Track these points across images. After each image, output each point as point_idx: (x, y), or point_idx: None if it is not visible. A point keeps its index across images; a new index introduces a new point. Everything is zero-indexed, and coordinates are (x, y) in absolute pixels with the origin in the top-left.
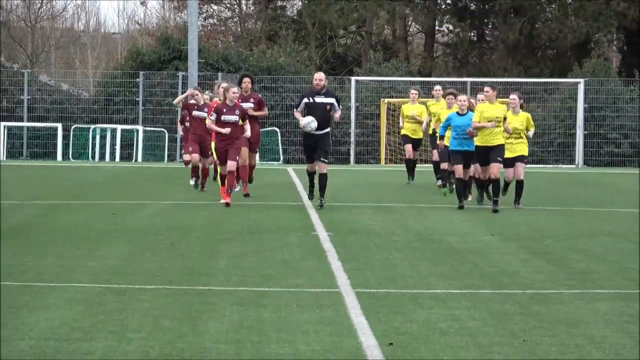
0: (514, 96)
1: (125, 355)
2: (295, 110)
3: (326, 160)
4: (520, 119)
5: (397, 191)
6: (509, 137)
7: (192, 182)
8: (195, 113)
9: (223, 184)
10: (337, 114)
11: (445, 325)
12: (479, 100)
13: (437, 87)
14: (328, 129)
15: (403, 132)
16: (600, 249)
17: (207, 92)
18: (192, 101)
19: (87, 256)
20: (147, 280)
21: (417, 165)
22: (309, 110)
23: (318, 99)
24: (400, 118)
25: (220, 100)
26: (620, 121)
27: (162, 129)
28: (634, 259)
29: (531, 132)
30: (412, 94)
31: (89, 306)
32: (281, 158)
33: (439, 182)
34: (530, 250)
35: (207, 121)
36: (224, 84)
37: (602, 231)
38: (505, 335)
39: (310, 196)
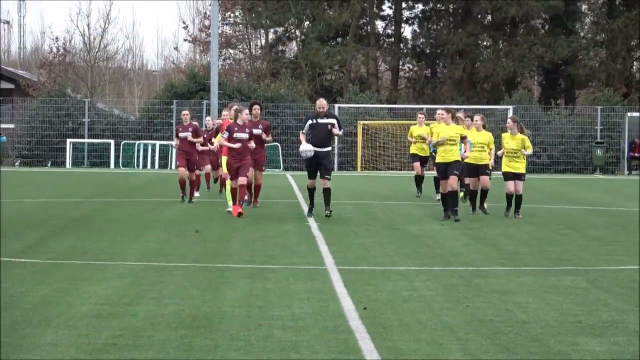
0: (509, 120)
1: (163, 317)
2: (301, 131)
3: (329, 177)
4: (517, 141)
5: (369, 191)
6: (508, 156)
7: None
8: (180, 134)
9: (233, 198)
10: (336, 130)
11: (407, 294)
12: (467, 120)
13: (440, 111)
14: (329, 148)
15: (412, 150)
16: (525, 236)
17: (215, 119)
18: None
19: (133, 241)
20: (179, 259)
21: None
22: (313, 130)
23: (321, 121)
24: (409, 138)
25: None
26: (540, 138)
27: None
28: (551, 242)
29: (527, 152)
30: (420, 117)
31: (134, 279)
32: (281, 166)
33: (437, 196)
34: (472, 236)
35: (220, 138)
36: (236, 106)
37: (526, 222)
38: (453, 301)
39: (309, 213)
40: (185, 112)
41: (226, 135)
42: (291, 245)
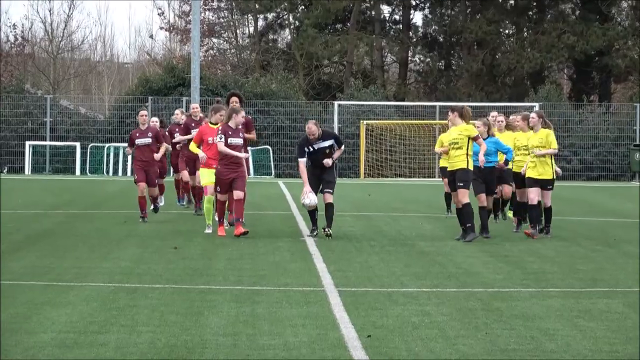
0: (534, 115)
1: (136, 347)
2: (299, 159)
3: (331, 191)
4: (540, 136)
5: (373, 201)
6: (533, 156)
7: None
8: (138, 141)
9: (220, 215)
10: (336, 154)
11: (417, 319)
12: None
13: (494, 113)
14: (333, 161)
15: (443, 163)
16: (552, 252)
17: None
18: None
19: (103, 259)
20: (155, 279)
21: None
22: (311, 156)
23: (317, 146)
24: (439, 147)
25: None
26: (570, 140)
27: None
28: (582, 260)
29: (537, 151)
30: (499, 121)
31: (103, 303)
32: (272, 173)
33: (448, 214)
34: (491, 253)
35: (219, 144)
36: (232, 106)
37: (554, 237)
38: (470, 328)
39: (313, 231)
40: (144, 112)
41: (222, 139)
42: (284, 264)
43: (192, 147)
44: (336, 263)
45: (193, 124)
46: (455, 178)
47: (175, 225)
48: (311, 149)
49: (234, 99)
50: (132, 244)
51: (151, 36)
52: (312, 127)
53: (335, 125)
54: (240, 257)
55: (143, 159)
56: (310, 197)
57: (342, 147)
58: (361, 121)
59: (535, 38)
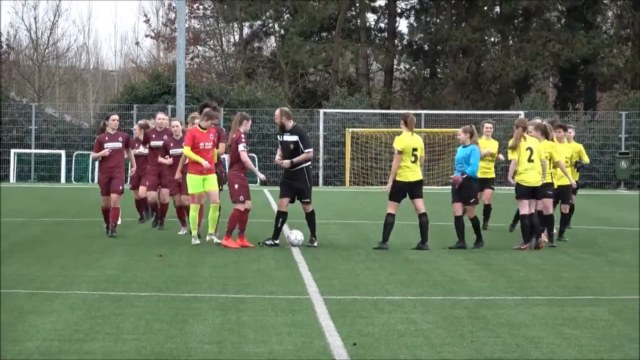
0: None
1: (121, 355)
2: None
3: (307, 200)
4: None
5: (359, 209)
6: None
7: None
8: (107, 145)
9: (242, 227)
10: (298, 158)
11: (402, 327)
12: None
13: (488, 125)
14: (302, 166)
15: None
16: (537, 260)
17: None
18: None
19: (88, 267)
20: (140, 287)
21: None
22: (280, 147)
23: (284, 137)
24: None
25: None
26: None
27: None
28: (567, 268)
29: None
30: (487, 128)
31: (88, 311)
32: (258, 180)
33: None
34: (476, 261)
35: (243, 154)
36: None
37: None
38: (455, 336)
39: (274, 239)
40: (114, 116)
41: (246, 149)
42: (269, 272)
43: (189, 152)
44: (321, 271)
45: (154, 135)
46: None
47: (161, 233)
48: (280, 139)
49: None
50: (118, 252)
51: (137, 43)
52: (276, 113)
53: (321, 133)
54: (226, 265)
55: (110, 165)
56: (294, 234)
57: (308, 152)
58: (347, 129)
59: (520, 46)
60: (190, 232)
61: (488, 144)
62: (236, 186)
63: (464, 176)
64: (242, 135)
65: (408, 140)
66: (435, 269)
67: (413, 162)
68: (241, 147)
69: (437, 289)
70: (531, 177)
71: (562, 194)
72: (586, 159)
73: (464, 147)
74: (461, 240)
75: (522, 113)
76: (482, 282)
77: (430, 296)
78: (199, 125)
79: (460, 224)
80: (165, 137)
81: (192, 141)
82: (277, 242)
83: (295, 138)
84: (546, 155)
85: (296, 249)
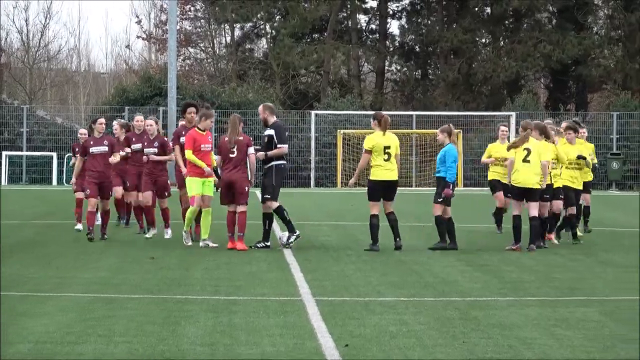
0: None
1: (113, 357)
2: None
3: (267, 196)
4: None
5: (350, 211)
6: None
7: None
8: (93, 149)
9: (231, 230)
10: (272, 152)
11: (394, 328)
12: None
13: (503, 127)
14: (272, 164)
15: (492, 176)
16: (530, 261)
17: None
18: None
19: (81, 269)
20: (132, 290)
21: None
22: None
23: (265, 132)
24: (486, 159)
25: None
26: None
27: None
28: (560, 269)
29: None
30: (503, 131)
31: (81, 313)
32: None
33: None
34: (468, 262)
35: (253, 156)
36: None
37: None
38: (447, 337)
39: (265, 240)
40: (102, 120)
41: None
42: (261, 274)
43: (191, 156)
44: (313, 272)
45: (134, 139)
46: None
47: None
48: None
49: (191, 109)
50: (110, 254)
51: (128, 46)
52: (259, 108)
53: (312, 134)
54: (217, 267)
55: (98, 169)
56: (286, 235)
57: (281, 147)
58: (338, 130)
59: (511, 47)
60: (146, 231)
61: (502, 148)
62: (247, 188)
63: (448, 188)
64: (252, 142)
65: (378, 139)
66: (426, 270)
67: (386, 160)
68: (251, 150)
69: (429, 290)
70: (523, 177)
71: (567, 196)
72: (594, 160)
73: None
74: (443, 240)
75: (513, 114)
76: (474, 283)
77: (422, 297)
78: (197, 127)
79: (439, 223)
80: (145, 138)
81: (193, 144)
82: (269, 243)
83: (271, 132)
84: (553, 158)
85: (288, 250)
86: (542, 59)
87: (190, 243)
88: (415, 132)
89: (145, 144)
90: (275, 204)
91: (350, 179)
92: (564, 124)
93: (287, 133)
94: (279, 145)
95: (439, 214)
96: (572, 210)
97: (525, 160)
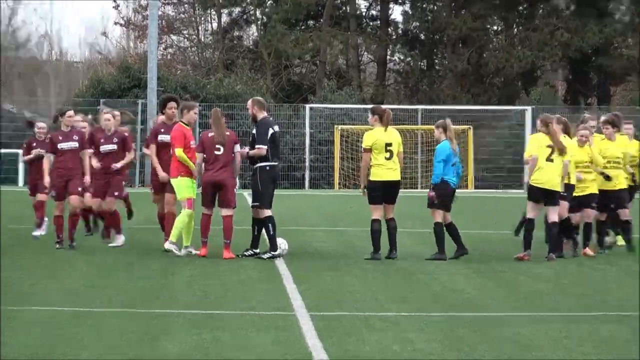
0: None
1: None
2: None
3: (256, 204)
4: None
5: (348, 215)
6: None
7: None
8: (63, 145)
9: (205, 232)
10: (252, 151)
11: (398, 347)
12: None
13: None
14: (257, 165)
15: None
16: (548, 271)
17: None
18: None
19: (47, 277)
20: (105, 302)
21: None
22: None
23: (253, 129)
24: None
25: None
26: None
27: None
28: (583, 280)
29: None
30: (582, 136)
31: (47, 329)
32: (237, 183)
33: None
34: (481, 272)
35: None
36: (188, 103)
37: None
38: (457, 357)
39: (254, 247)
40: (70, 112)
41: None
42: (250, 284)
43: (182, 154)
44: (307, 283)
45: (102, 140)
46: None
47: (129, 240)
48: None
49: (172, 104)
50: (80, 261)
51: (104, 33)
52: (248, 103)
53: (307, 130)
54: (202, 276)
55: (68, 166)
56: (278, 242)
57: (259, 148)
58: (335, 126)
59: (525, 35)
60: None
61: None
62: (235, 190)
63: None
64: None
65: (379, 135)
66: (434, 281)
67: (388, 158)
68: (239, 147)
69: (436, 304)
70: (546, 177)
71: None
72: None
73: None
74: (441, 251)
75: (529, 109)
76: (487, 295)
77: (429, 312)
78: (182, 122)
79: (438, 231)
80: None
81: (184, 141)
82: (258, 251)
83: (254, 131)
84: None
85: (280, 259)
86: (559, 47)
87: (194, 251)
88: (421, 128)
89: (102, 140)
90: (266, 212)
91: (350, 184)
92: (602, 118)
93: (271, 130)
94: (257, 146)
95: (438, 221)
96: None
97: (549, 159)
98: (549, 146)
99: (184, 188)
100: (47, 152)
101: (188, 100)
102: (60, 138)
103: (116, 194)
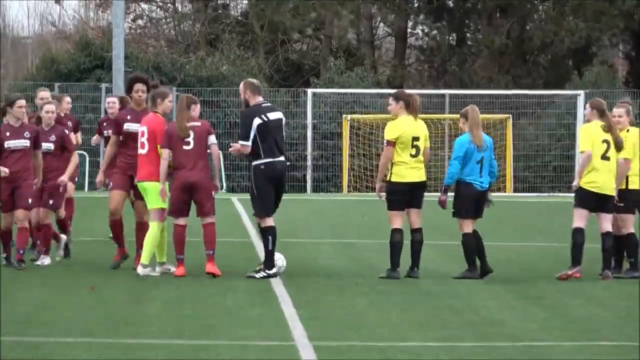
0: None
1: None
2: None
3: (254, 212)
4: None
5: (360, 225)
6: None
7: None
8: (10, 143)
9: (179, 247)
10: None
11: None
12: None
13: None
14: (253, 163)
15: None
16: (603, 293)
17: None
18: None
19: None
20: (65, 330)
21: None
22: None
23: (273, 115)
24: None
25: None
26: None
27: (82, 152)
28: None
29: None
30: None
31: None
32: (224, 186)
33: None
34: (520, 294)
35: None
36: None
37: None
38: None
39: (271, 267)
40: (21, 102)
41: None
42: (240, 309)
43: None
44: (310, 308)
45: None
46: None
47: (93, 257)
48: (266, 119)
49: (139, 86)
50: (33, 282)
51: (57, 1)
52: (240, 87)
53: (309, 121)
54: (181, 300)
55: (14, 170)
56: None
57: (243, 145)
58: (344, 116)
59: (579, 2)
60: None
61: None
62: (213, 193)
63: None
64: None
65: (406, 126)
66: (464, 305)
67: (414, 155)
68: (214, 139)
69: (467, 332)
70: (602, 179)
71: None
72: None
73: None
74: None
75: (581, 93)
76: (529, 322)
77: (459, 341)
78: (157, 113)
79: (466, 244)
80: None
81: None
82: (274, 271)
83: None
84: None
85: (276, 279)
86: (620, 18)
87: (173, 269)
88: (449, 117)
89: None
90: (266, 222)
91: (362, 186)
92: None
93: (257, 121)
94: (239, 142)
95: (466, 232)
96: None
97: (604, 157)
98: (604, 141)
99: (157, 195)
100: None
101: (157, 87)
102: (8, 134)
103: (51, 202)
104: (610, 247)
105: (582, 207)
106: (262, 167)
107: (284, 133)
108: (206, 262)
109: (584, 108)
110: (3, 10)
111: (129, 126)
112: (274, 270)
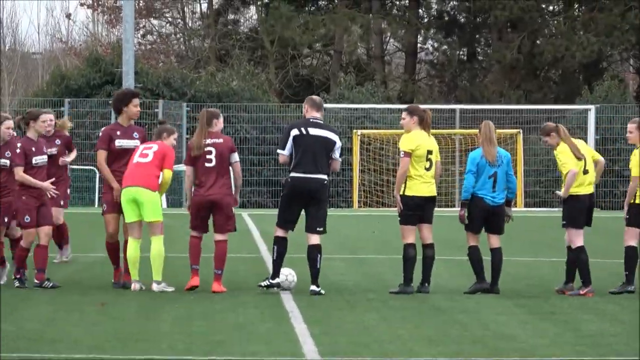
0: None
1: None
2: (280, 152)
3: (321, 229)
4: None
5: (371, 240)
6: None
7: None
8: (37, 159)
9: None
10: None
11: None
12: None
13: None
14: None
15: None
16: (615, 307)
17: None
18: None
19: (2, 319)
20: (73, 347)
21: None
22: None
23: (314, 132)
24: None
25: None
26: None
27: (92, 167)
28: None
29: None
30: None
31: None
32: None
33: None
34: (531, 309)
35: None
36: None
37: (616, 286)
38: None
39: (272, 284)
40: (49, 115)
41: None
42: (250, 325)
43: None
44: (321, 324)
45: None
46: None
47: (101, 273)
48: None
49: (137, 100)
50: (42, 299)
51: (68, 16)
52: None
53: None
54: (190, 317)
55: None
56: (285, 273)
57: (279, 153)
58: (354, 131)
59: (590, 17)
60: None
61: None
62: (233, 210)
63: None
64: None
65: (422, 140)
66: (475, 321)
67: (427, 169)
68: (237, 157)
69: (477, 347)
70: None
71: None
72: None
73: None
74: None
75: (592, 108)
76: (540, 337)
77: (470, 357)
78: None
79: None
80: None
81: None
82: (317, 289)
83: (331, 136)
84: None
85: (286, 294)
86: (632, 32)
87: (139, 287)
88: (459, 132)
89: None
90: (276, 231)
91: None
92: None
93: (294, 132)
94: (278, 150)
95: (471, 244)
96: None
97: (585, 172)
98: (576, 157)
99: (156, 207)
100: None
101: (164, 124)
102: (34, 150)
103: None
104: (633, 257)
105: (632, 226)
106: (289, 179)
107: (334, 154)
108: (213, 281)
109: (597, 122)
110: (13, 28)
111: (121, 142)
112: (277, 280)
